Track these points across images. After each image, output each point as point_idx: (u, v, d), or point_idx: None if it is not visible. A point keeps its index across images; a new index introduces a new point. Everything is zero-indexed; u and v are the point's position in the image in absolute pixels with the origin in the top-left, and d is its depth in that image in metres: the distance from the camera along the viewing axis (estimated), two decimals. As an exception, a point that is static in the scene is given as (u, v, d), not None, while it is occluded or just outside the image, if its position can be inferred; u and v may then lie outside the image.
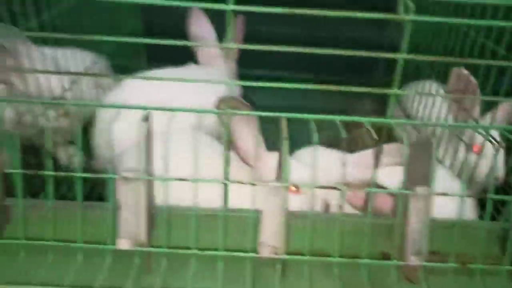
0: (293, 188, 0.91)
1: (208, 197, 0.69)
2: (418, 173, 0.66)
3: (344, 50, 0.66)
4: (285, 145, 0.63)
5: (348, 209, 0.88)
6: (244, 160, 0.86)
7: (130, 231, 0.66)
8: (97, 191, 1.07)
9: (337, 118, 0.69)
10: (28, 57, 0.79)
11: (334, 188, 0.66)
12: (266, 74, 1.64)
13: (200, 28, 1.23)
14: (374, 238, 0.70)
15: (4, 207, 0.73)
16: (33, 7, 0.81)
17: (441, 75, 1.17)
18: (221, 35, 1.28)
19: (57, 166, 1.06)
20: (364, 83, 1.80)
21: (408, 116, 1.29)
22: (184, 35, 1.27)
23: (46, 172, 0.64)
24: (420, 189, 0.64)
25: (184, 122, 0.77)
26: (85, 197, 0.67)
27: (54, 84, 0.90)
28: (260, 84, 0.67)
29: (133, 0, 0.61)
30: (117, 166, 1.02)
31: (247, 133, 0.84)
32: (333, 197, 0.93)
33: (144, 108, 0.69)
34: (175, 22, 1.52)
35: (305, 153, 1.03)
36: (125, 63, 1.42)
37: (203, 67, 1.26)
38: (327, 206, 0.93)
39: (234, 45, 0.63)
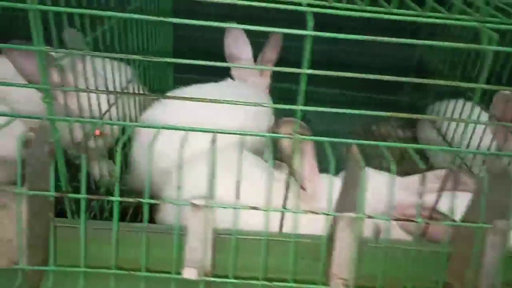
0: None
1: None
2: (494, 205, 0.65)
3: (410, 77, 0.65)
4: (363, 174, 0.61)
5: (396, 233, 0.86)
6: (298, 183, 0.84)
7: (197, 259, 0.63)
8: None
9: (411, 146, 0.67)
10: (83, 75, 0.77)
11: (412, 220, 0.64)
12: (293, 88, 1.63)
13: (239, 46, 1.21)
14: (429, 266, 0.68)
15: (54, 229, 0.70)
16: (89, 22, 0.79)
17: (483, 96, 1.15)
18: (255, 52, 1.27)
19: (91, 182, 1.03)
20: (392, 99, 1.78)
21: (443, 136, 1.27)
22: (213, 44, 1.26)
23: (112, 197, 0.61)
24: (500, 223, 0.62)
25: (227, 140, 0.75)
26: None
27: (102, 100, 0.87)
28: (331, 109, 0.65)
29: (214, 23, 0.59)
30: (160, 184, 1.00)
31: (302, 156, 0.82)
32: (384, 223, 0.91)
33: (211, 131, 0.67)
34: (204, 31, 1.51)
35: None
36: (153, 72, 1.39)
37: (239, 83, 1.24)
38: (378, 232, 0.90)
39: (309, 71, 0.61)
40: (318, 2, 0.65)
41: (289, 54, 1.36)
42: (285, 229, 0.73)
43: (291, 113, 0.70)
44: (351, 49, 1.53)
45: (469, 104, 1.18)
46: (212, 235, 0.63)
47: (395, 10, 0.63)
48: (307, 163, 0.82)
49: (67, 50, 0.70)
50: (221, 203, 0.62)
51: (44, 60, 0.62)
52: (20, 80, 0.85)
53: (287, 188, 0.72)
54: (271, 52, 1.21)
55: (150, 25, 1.28)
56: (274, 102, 1.28)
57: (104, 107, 0.89)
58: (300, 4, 0.65)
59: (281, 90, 1.54)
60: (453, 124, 1.22)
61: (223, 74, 1.29)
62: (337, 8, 0.63)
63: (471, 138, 1.11)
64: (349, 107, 0.66)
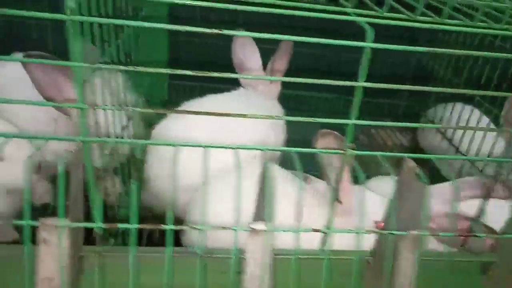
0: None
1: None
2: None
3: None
4: (426, 191, 0.59)
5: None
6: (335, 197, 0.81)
7: (256, 287, 0.59)
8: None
9: (459, 158, 0.66)
10: (106, 93, 0.72)
11: (474, 235, 0.63)
12: (290, 93, 1.61)
13: (247, 55, 1.17)
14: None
15: (81, 258, 0.64)
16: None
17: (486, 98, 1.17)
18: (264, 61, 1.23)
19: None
20: (390, 103, 1.78)
21: (449, 140, 1.28)
22: (207, 51, 1.20)
23: (166, 226, 0.56)
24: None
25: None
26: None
27: (117, 120, 0.81)
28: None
29: (268, 36, 0.55)
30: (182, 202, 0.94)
31: (339, 167, 0.79)
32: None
33: (260, 149, 0.63)
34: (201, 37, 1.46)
35: (375, 184, 1.00)
36: (147, 79, 1.32)
37: (251, 92, 1.20)
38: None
39: (366, 83, 0.58)
40: (366, 12, 0.63)
41: (292, 59, 1.34)
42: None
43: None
44: (349, 55, 1.52)
45: (473, 110, 1.20)
46: (271, 260, 0.59)
47: (447, 21, 0.62)
48: (343, 176, 0.80)
49: (110, 66, 0.64)
50: (281, 226, 0.58)
51: (83, 77, 0.56)
52: (20, 89, 0.79)
53: (332, 206, 0.70)
54: (281, 60, 1.17)
55: (149, 33, 1.23)
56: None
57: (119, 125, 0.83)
58: (346, 14, 0.63)
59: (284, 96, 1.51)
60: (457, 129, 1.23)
61: (220, 81, 1.25)
62: (388, 18, 0.61)
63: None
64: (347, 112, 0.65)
